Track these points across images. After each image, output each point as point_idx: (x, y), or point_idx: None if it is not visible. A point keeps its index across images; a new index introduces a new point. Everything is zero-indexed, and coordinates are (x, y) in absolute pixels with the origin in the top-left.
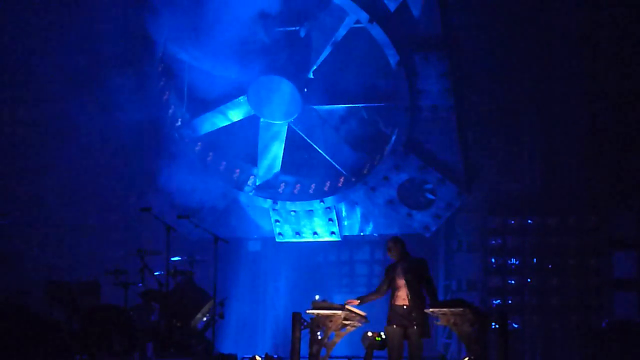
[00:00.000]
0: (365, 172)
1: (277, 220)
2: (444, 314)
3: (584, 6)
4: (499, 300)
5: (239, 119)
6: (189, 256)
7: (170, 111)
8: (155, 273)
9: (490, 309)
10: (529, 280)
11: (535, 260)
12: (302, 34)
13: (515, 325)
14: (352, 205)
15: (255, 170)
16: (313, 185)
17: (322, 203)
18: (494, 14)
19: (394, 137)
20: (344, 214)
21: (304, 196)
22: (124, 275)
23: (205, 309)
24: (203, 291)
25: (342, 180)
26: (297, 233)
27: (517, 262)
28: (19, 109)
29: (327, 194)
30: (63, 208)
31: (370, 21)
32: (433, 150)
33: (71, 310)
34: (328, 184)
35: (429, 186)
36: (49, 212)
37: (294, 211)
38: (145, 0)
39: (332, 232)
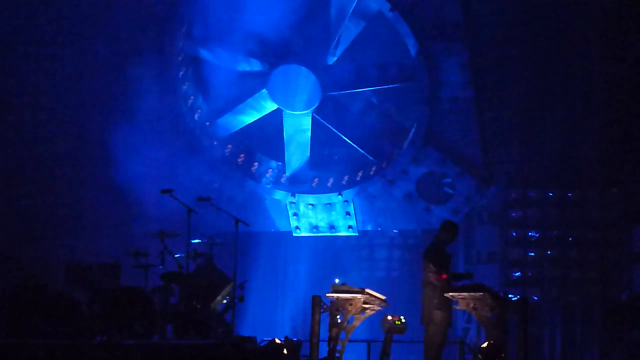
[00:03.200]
0: (384, 165)
1: (294, 214)
2: (463, 298)
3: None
4: (519, 273)
5: (265, 112)
6: (209, 239)
7: (190, 102)
8: (176, 255)
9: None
10: (548, 252)
11: (555, 232)
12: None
13: (535, 298)
14: (370, 199)
15: (273, 164)
16: (331, 179)
17: (340, 196)
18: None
19: (413, 129)
20: (361, 208)
21: (322, 190)
22: (144, 257)
23: (225, 291)
24: (223, 274)
25: (360, 174)
26: (315, 227)
27: (537, 235)
28: (40, 97)
29: (345, 188)
30: (84, 190)
31: (392, 10)
32: (452, 142)
33: (91, 292)
34: (346, 178)
35: (448, 180)
36: (69, 194)
37: (312, 204)
38: None
39: (350, 227)
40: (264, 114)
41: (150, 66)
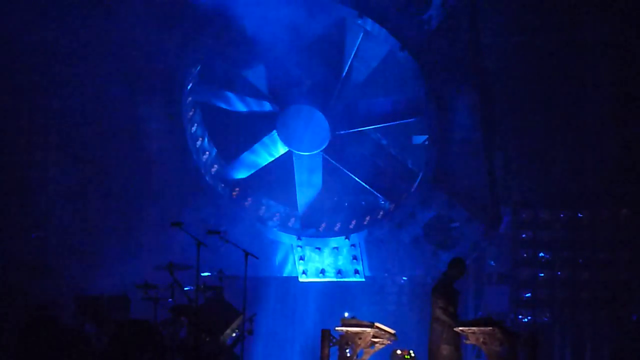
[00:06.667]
0: (391, 208)
1: (301, 258)
2: (473, 332)
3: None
4: (529, 294)
5: (277, 155)
6: (218, 272)
7: (199, 143)
8: (185, 288)
9: (520, 331)
10: (559, 273)
11: (565, 253)
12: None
13: (545, 319)
14: (377, 243)
15: (281, 208)
16: (338, 224)
17: (347, 240)
18: (521, 32)
19: (421, 172)
20: (368, 253)
21: (329, 234)
22: (153, 290)
23: (235, 324)
24: (232, 307)
25: (368, 218)
26: (321, 272)
27: (547, 256)
28: (50, 136)
29: (353, 232)
30: (94, 222)
31: (402, 49)
32: (461, 185)
33: (101, 324)
34: (354, 222)
35: (456, 224)
36: (80, 226)
37: (318, 248)
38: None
39: (356, 272)
40: (276, 156)
41: (159, 105)
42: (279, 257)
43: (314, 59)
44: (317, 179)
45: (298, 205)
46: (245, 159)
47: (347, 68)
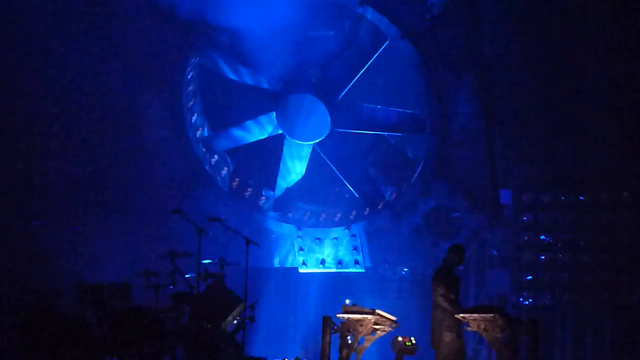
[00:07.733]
0: (392, 199)
1: (300, 249)
2: (474, 319)
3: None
4: (530, 277)
5: (266, 135)
6: (219, 259)
7: (199, 132)
8: (186, 275)
9: (521, 317)
10: (560, 256)
11: (567, 236)
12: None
13: (546, 301)
14: (377, 234)
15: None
16: (339, 214)
17: (347, 230)
18: (522, 20)
19: (422, 162)
20: (368, 243)
21: (329, 224)
22: (154, 277)
23: (236, 312)
24: (234, 294)
25: (368, 209)
26: (321, 262)
27: (548, 239)
28: (52, 125)
29: (353, 222)
30: (95, 210)
31: (402, 38)
32: (462, 175)
33: (102, 312)
34: (354, 213)
35: (457, 214)
36: (81, 214)
37: (319, 239)
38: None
39: (357, 262)
40: (265, 136)
41: (159, 95)
42: (278, 248)
43: (329, 52)
44: (302, 168)
45: (276, 188)
46: (234, 132)
47: (362, 71)
